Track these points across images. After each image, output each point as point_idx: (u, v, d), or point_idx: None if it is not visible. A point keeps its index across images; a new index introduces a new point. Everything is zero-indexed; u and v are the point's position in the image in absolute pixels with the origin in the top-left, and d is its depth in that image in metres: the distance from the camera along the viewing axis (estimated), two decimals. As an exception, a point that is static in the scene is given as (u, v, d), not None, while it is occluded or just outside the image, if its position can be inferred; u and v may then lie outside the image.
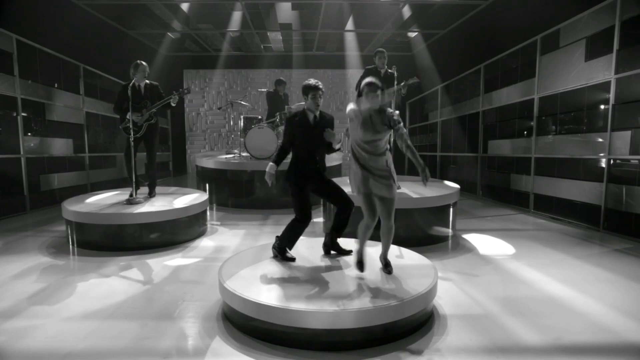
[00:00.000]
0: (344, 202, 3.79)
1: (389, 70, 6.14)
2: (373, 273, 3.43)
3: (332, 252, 3.92)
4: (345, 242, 4.32)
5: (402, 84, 6.01)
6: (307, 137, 3.70)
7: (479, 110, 9.21)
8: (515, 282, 4.09)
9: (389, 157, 3.44)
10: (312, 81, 3.67)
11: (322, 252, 3.92)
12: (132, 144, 5.60)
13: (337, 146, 3.68)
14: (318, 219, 6.20)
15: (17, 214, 7.10)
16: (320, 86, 3.66)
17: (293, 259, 3.74)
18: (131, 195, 5.71)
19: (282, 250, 3.78)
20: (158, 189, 6.34)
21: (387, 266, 3.49)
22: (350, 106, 3.40)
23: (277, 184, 7.89)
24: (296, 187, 3.70)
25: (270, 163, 3.74)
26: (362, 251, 3.45)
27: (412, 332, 3.03)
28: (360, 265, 3.41)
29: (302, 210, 3.71)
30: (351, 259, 3.78)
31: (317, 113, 3.72)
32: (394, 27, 11.19)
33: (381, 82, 5.95)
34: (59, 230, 5.93)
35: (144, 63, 5.72)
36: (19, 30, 7.14)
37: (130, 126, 5.58)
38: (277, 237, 3.86)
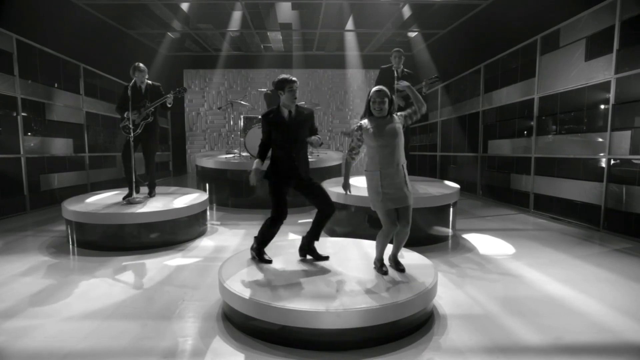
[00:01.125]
0: (324, 208, 3.69)
1: (406, 70, 6.09)
2: (373, 273, 3.42)
3: (309, 256, 3.78)
4: (339, 242, 4.32)
5: (423, 83, 5.86)
6: (282, 134, 3.60)
7: (479, 110, 9.21)
8: (515, 282, 4.09)
9: (405, 165, 3.43)
10: (286, 75, 3.59)
11: (322, 251, 3.91)
12: (131, 143, 5.62)
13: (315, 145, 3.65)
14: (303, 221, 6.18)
15: (17, 213, 7.10)
16: (295, 79, 3.57)
17: (270, 261, 3.67)
18: (129, 195, 5.72)
19: (259, 251, 3.74)
20: (158, 188, 6.34)
21: (398, 265, 3.50)
22: (360, 122, 3.40)
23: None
24: (273, 185, 3.65)
25: (256, 159, 3.66)
26: (382, 259, 3.49)
27: (412, 331, 3.03)
28: (384, 270, 3.42)
29: (277, 208, 3.63)
30: (351, 260, 3.78)
31: (293, 108, 3.62)
32: (394, 27, 11.19)
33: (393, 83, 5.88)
34: (59, 230, 5.92)
35: (142, 65, 5.73)
36: (19, 30, 7.14)
37: (130, 125, 5.60)
38: (255, 237, 3.80)
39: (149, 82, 5.82)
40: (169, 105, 5.80)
